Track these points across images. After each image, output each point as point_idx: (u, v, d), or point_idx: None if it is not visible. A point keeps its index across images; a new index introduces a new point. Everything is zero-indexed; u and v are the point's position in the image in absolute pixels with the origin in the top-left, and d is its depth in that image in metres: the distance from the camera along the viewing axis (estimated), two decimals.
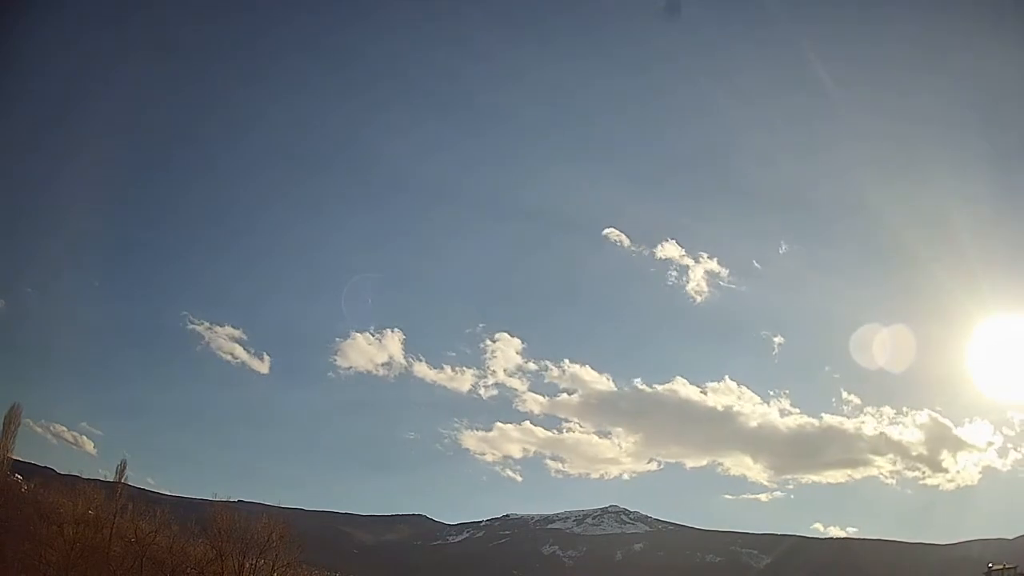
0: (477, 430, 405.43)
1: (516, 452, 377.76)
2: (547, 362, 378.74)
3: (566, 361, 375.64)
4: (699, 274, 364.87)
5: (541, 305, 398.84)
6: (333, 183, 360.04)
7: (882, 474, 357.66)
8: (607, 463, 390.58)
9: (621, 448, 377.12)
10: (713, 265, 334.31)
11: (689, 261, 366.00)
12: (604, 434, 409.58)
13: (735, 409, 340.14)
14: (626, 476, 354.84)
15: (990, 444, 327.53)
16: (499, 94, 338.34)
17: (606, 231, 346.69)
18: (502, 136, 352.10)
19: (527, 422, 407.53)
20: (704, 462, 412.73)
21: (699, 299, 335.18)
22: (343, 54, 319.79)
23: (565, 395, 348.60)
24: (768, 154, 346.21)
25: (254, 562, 64.68)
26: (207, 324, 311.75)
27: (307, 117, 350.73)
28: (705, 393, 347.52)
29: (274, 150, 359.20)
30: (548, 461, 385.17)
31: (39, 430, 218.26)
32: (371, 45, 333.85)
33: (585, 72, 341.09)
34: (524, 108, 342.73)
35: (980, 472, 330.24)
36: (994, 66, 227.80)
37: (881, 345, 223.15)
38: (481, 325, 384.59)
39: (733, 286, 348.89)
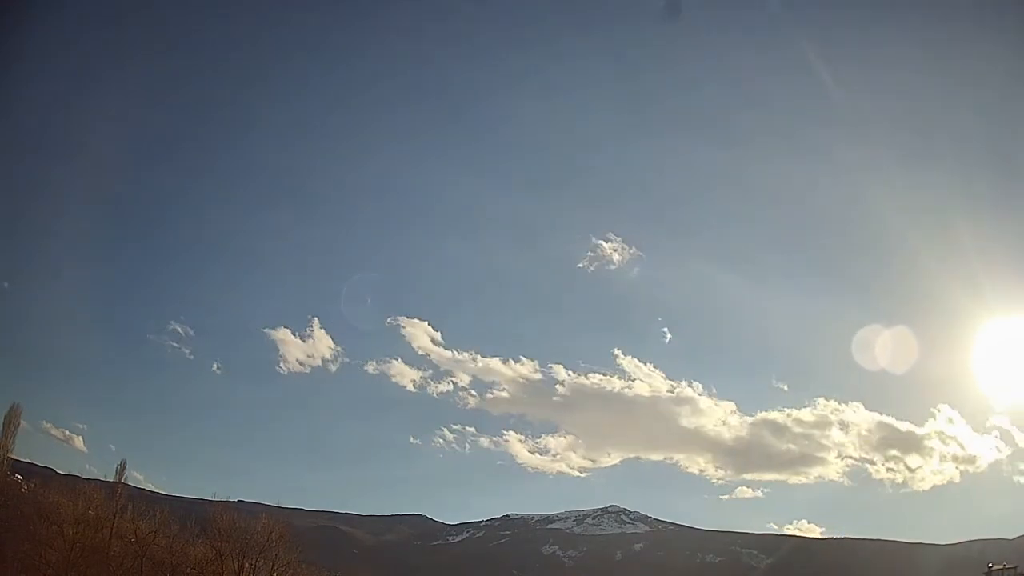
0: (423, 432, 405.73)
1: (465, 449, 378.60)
2: (471, 355, 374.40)
3: (510, 359, 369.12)
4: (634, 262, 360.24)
5: (460, 299, 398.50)
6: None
7: (842, 474, 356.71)
8: (559, 461, 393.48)
9: (578, 441, 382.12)
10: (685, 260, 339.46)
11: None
12: (551, 430, 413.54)
13: (677, 399, 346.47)
14: (581, 474, 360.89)
15: (952, 439, 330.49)
16: (493, 95, 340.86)
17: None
18: (480, 139, 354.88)
19: (470, 419, 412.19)
20: (659, 457, 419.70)
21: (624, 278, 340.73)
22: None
23: (497, 391, 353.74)
24: (769, 155, 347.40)
25: (254, 562, 64.60)
26: (176, 324, 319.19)
27: (307, 118, 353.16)
28: (632, 383, 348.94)
29: (271, 150, 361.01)
30: (499, 462, 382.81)
31: (29, 427, 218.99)
32: (372, 46, 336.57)
33: (582, 74, 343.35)
34: (513, 109, 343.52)
35: (960, 472, 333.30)
36: (995, 67, 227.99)
37: (882, 346, 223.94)
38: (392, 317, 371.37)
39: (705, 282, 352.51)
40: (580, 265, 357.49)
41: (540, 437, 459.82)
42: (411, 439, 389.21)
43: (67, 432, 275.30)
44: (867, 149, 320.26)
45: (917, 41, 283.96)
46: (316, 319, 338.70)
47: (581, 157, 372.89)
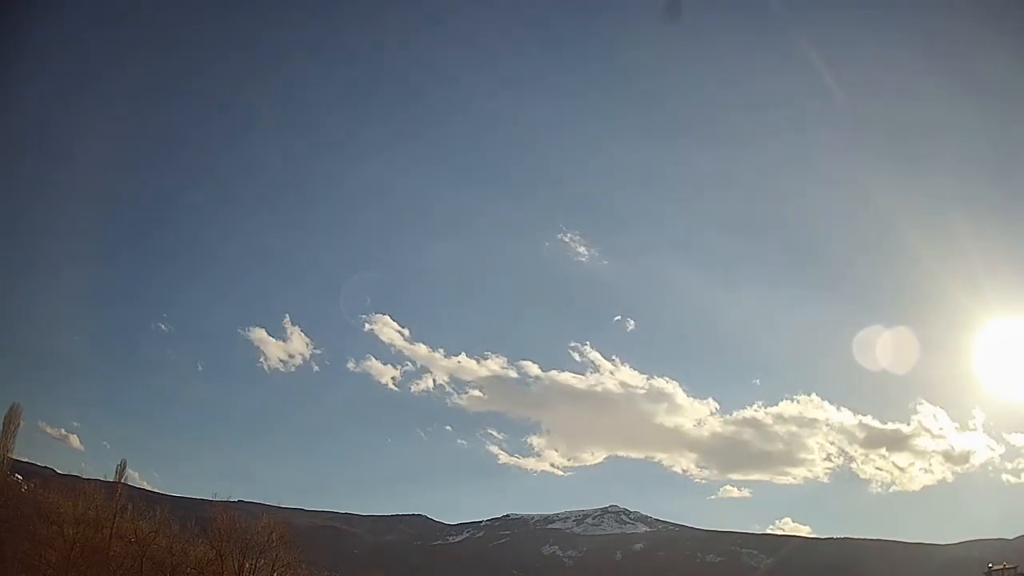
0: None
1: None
2: (442, 352, 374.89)
3: (476, 356, 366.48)
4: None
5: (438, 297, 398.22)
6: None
7: (828, 473, 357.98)
8: (543, 460, 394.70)
9: (559, 440, 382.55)
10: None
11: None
12: (532, 429, 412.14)
13: (653, 396, 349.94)
14: (565, 473, 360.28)
15: (942, 438, 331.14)
16: (492, 97, 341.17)
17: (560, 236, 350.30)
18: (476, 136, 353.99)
19: (450, 418, 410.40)
20: (639, 456, 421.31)
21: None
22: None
23: (472, 390, 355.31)
24: (768, 155, 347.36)
25: (254, 563, 64.46)
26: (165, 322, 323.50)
27: (308, 120, 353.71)
28: (603, 378, 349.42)
29: (272, 149, 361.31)
30: (482, 461, 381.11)
31: (27, 427, 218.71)
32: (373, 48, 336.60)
33: (581, 76, 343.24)
34: (510, 110, 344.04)
35: (952, 472, 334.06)
36: (995, 67, 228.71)
37: (880, 347, 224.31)
38: (364, 315, 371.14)
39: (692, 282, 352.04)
40: (555, 263, 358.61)
41: (523, 436, 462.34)
42: (389, 439, 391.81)
43: (63, 431, 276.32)
44: (867, 149, 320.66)
45: (918, 42, 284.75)
46: (287, 316, 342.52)
47: (575, 158, 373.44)
